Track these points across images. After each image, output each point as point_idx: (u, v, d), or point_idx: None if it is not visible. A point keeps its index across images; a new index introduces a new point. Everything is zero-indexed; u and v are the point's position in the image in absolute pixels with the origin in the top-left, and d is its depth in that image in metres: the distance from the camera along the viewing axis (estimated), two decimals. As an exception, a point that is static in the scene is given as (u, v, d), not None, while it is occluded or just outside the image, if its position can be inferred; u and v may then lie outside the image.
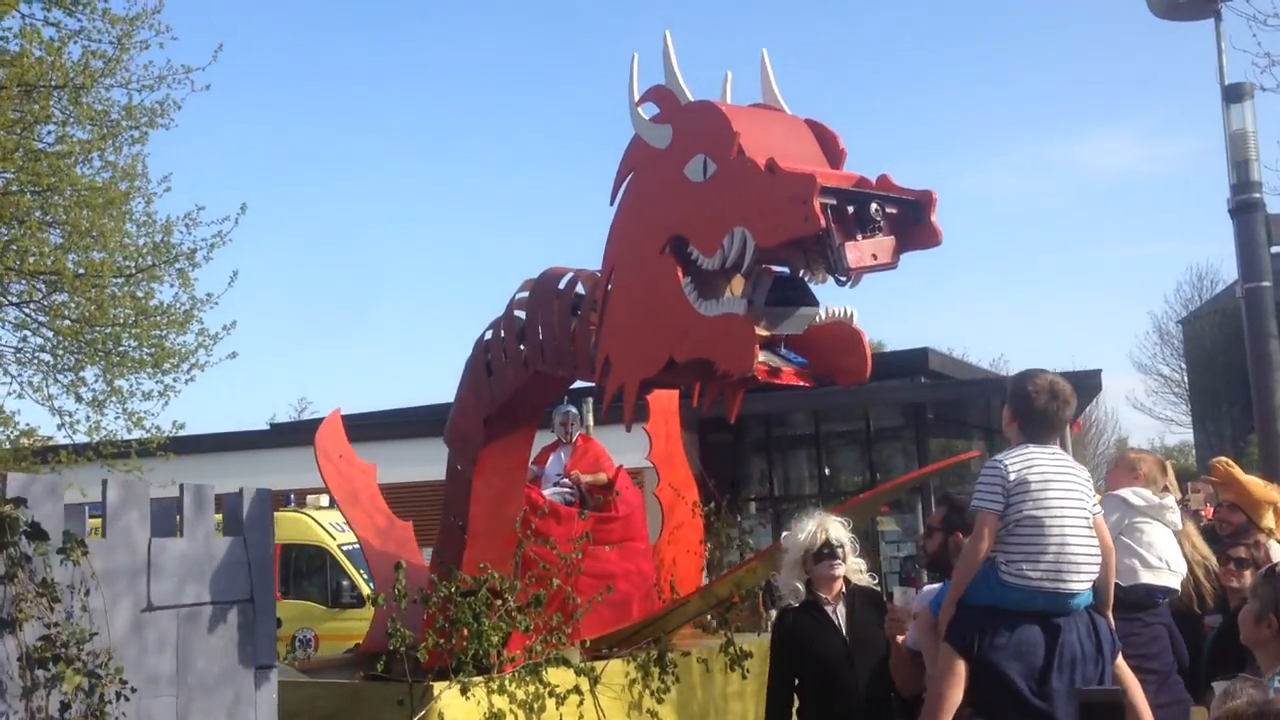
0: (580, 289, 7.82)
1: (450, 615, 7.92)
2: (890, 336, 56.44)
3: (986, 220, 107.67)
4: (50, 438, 18.25)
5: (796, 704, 7.20)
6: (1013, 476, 5.83)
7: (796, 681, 7.16)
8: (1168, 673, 7.11)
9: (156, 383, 18.27)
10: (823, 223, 5.67)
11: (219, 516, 7.20)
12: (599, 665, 8.52)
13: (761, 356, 6.34)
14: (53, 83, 16.43)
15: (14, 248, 16.80)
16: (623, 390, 6.98)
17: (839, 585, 7.09)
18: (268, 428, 38.36)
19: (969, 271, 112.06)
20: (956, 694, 5.85)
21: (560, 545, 8.76)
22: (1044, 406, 6.02)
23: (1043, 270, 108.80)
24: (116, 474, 16.84)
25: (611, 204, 7.13)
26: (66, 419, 18.10)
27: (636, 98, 6.85)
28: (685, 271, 6.43)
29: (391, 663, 7.88)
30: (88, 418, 18.07)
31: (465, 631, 7.93)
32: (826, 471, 30.72)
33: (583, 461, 10.36)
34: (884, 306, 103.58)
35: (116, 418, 18.21)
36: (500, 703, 7.84)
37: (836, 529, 7.13)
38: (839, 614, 7.05)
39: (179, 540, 6.77)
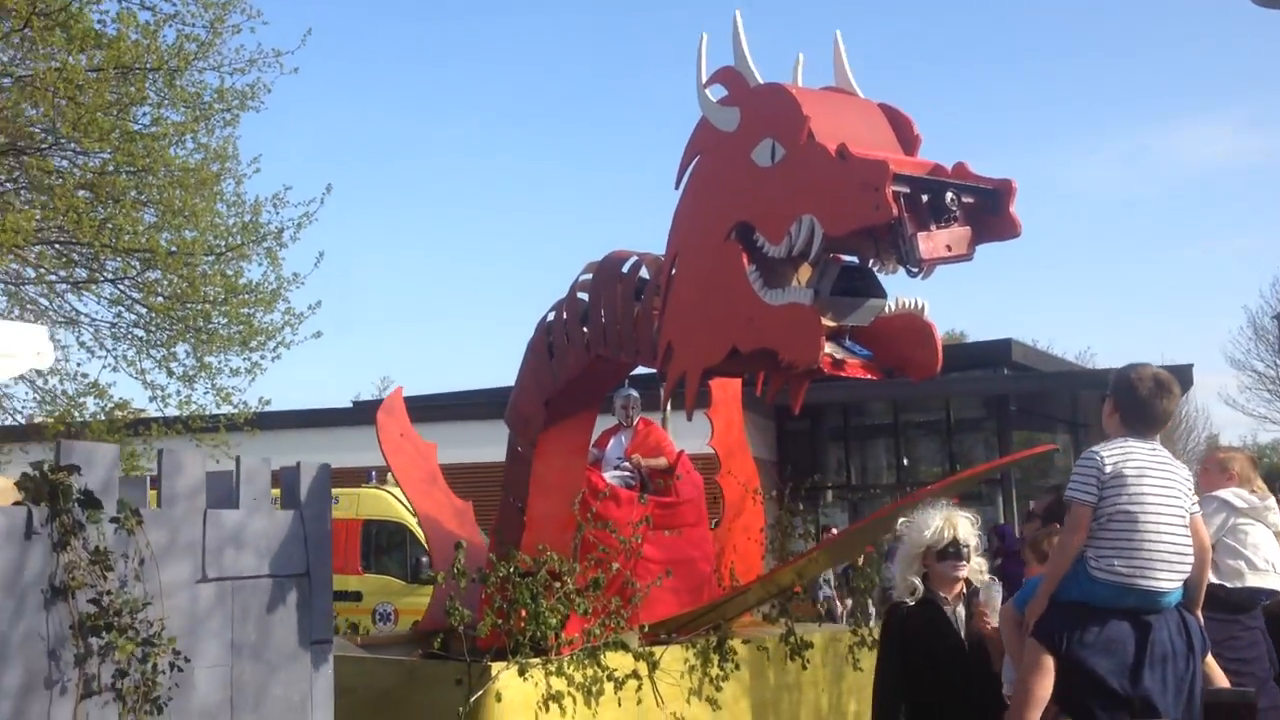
0: (644, 273, 7.63)
1: (509, 596, 7.77)
2: (973, 327, 55.65)
3: (1077, 210, 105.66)
4: (143, 411, 18.39)
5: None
6: (1108, 469, 5.67)
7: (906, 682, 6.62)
8: (1265, 678, 6.89)
9: (244, 360, 18.38)
10: (895, 211, 5.44)
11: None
12: (658, 651, 8.33)
13: (827, 348, 6.12)
14: (148, 65, 16.62)
15: (110, 226, 16.91)
16: (685, 378, 6.79)
17: (960, 586, 6.57)
18: (350, 405, 38.43)
19: (1056, 262, 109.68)
20: (1044, 690, 5.65)
21: (620, 529, 8.59)
22: (1147, 399, 5.84)
23: (1134, 262, 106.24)
24: (204, 448, 17.00)
25: (676, 188, 6.94)
26: (158, 393, 18.29)
27: (704, 79, 6.65)
28: (751, 259, 6.23)
29: (449, 641, 7.78)
30: (178, 392, 18.23)
31: (523, 613, 7.79)
32: (905, 461, 30.35)
33: (644, 445, 10.15)
34: (966, 296, 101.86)
35: (206, 393, 18.32)
36: (558, 685, 7.69)
37: (965, 527, 6.58)
38: (958, 615, 6.54)
39: (234, 512, 6.62)
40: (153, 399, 18.30)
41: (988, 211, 5.81)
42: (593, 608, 8.10)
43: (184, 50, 16.98)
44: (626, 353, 7.70)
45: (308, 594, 6.97)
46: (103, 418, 17.80)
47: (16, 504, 5.65)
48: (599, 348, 7.92)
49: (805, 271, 6.30)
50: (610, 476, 9.67)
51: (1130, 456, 5.74)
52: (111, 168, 17.06)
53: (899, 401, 29.10)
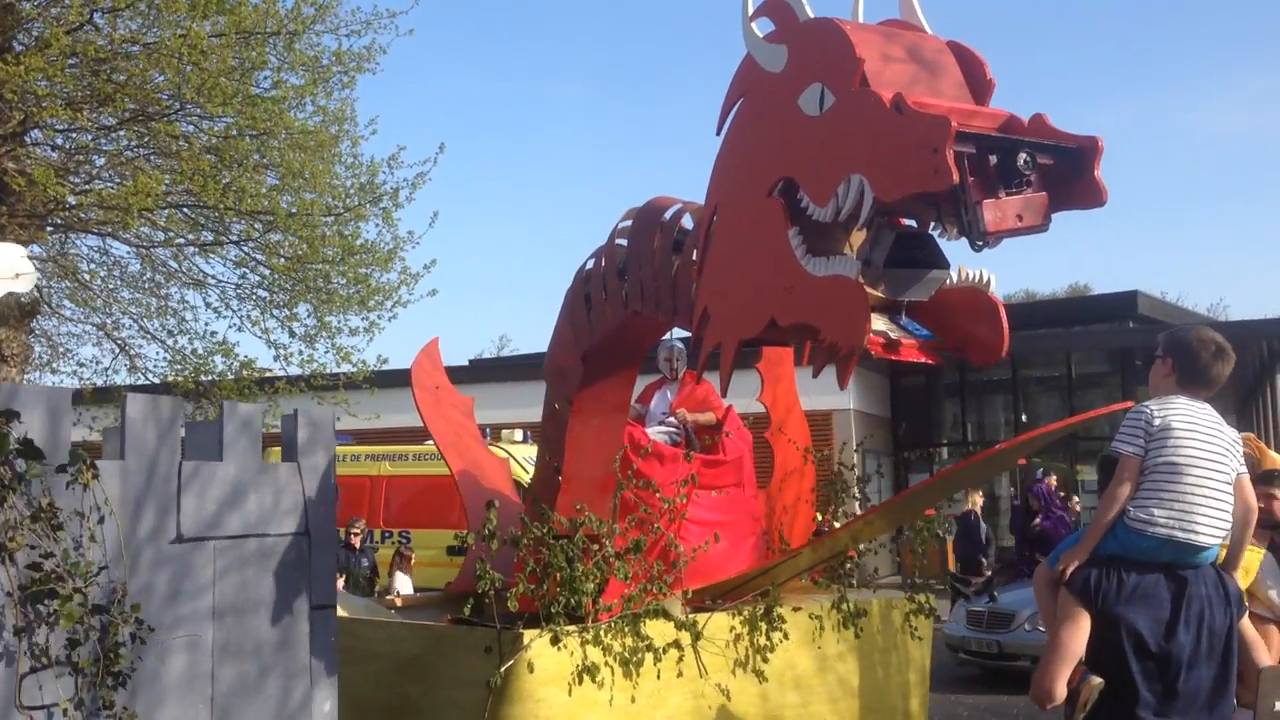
0: (687, 223, 6.72)
1: (542, 559, 6.98)
2: (1097, 278, 53.42)
3: (1209, 157, 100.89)
4: (268, 370, 18.10)
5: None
6: (1157, 422, 5.33)
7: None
8: None
9: (362, 319, 18.21)
10: (955, 177, 4.54)
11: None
12: (701, 618, 7.51)
13: (879, 326, 5.30)
14: (268, 30, 16.39)
15: (233, 189, 16.75)
16: (720, 348, 5.94)
17: None
18: (467, 364, 37.99)
19: (1187, 211, 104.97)
20: (1077, 643, 5.20)
21: (663, 489, 7.72)
22: (1207, 363, 5.48)
23: (1270, 212, 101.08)
24: (326, 404, 16.62)
25: (718, 133, 6.02)
26: (281, 351, 18.19)
27: (751, 10, 5.72)
28: (793, 220, 5.35)
29: (479, 606, 6.98)
30: (300, 351, 18.15)
31: (558, 577, 7.00)
32: (1024, 418, 28.62)
33: (690, 400, 9.21)
34: (1091, 246, 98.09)
35: (326, 352, 18.19)
36: (594, 655, 6.92)
37: None
38: None
39: (217, 465, 5.81)
40: (276, 358, 18.24)
41: (1068, 175, 4.93)
42: (633, 572, 7.31)
43: (302, 14, 16.85)
44: (664, 311, 6.86)
45: (306, 555, 6.17)
46: (230, 376, 17.70)
47: None
48: (636, 304, 7.08)
49: (860, 236, 5.46)
50: (654, 433, 8.79)
51: (1180, 412, 5.35)
52: (234, 132, 16.79)
53: (1018, 356, 27.59)
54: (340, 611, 7.76)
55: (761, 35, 5.65)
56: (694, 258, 6.30)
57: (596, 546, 7.19)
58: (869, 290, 5.19)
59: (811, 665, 7.96)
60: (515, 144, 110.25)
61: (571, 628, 6.87)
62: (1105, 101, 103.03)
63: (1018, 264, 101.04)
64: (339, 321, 18.03)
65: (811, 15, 5.44)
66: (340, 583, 14.01)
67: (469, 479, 8.69)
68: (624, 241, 7.32)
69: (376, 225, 18.08)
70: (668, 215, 6.92)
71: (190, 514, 5.62)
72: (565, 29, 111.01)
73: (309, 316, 18.05)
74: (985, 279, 5.34)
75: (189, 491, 5.62)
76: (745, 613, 7.68)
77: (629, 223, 7.28)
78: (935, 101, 4.86)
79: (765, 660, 7.63)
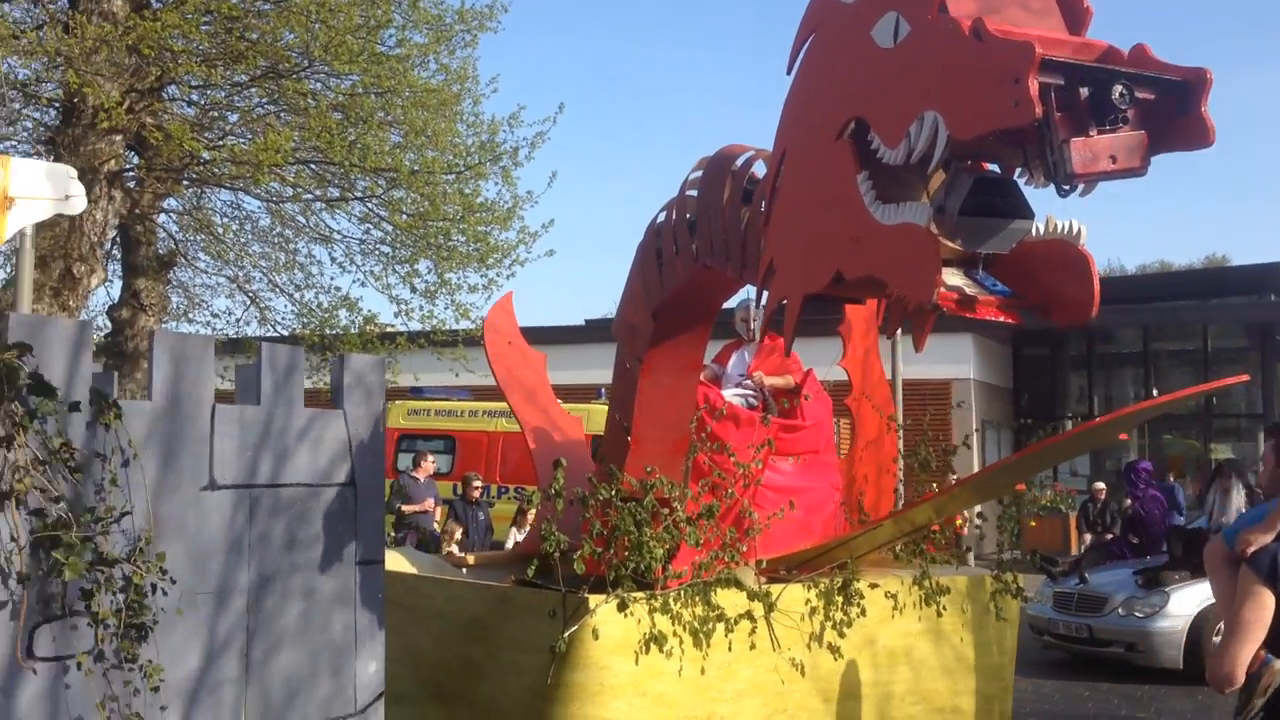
0: (759, 171, 6.20)
1: (609, 522, 6.55)
2: (1237, 249, 51.22)
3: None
4: (390, 325, 17.96)
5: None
6: None
7: None
8: None
9: (481, 276, 17.79)
10: (1038, 110, 3.97)
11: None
12: (775, 590, 7.05)
13: (953, 281, 4.77)
14: None
15: (359, 146, 16.46)
16: (785, 306, 5.40)
17: None
18: (583, 323, 37.54)
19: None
20: (1260, 624, 4.62)
21: (739, 453, 7.24)
22: None
23: None
24: (445, 359, 16.44)
25: (789, 72, 5.49)
26: (402, 307, 17.91)
27: None
28: (863, 164, 4.80)
29: (544, 569, 6.59)
30: (421, 307, 17.89)
31: (626, 541, 6.57)
32: (1155, 393, 26.94)
33: (768, 362, 8.63)
34: (1231, 214, 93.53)
35: (446, 308, 17.87)
36: (662, 623, 6.52)
37: None
38: None
39: (255, 409, 5.43)
40: (397, 313, 18.00)
41: (1172, 112, 4.31)
42: (704, 539, 6.88)
43: (429, -27, 16.39)
44: (733, 265, 6.34)
45: (352, 507, 5.78)
46: (354, 330, 17.48)
47: None
48: (706, 257, 6.59)
49: (938, 181, 4.88)
50: (730, 395, 8.27)
51: None
52: (360, 90, 16.56)
53: (1150, 328, 26.38)
54: (407, 568, 7.44)
55: None
56: (763, 208, 5.77)
57: (667, 511, 6.78)
58: (943, 241, 4.64)
59: (890, 643, 7.44)
60: (633, 103, 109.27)
61: (639, 594, 6.48)
62: (1240, 68, 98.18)
63: (1153, 233, 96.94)
64: (458, 278, 17.67)
65: None
66: (408, 539, 13.80)
67: (540, 436, 8.30)
68: (695, 193, 6.81)
69: (496, 184, 17.74)
70: (738, 164, 6.41)
71: (224, 460, 5.26)
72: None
73: (429, 273, 17.77)
74: (1076, 230, 4.75)
75: (222, 436, 5.26)
76: (821, 585, 7.20)
77: (700, 173, 6.78)
78: (1022, 29, 4.27)
79: (841, 636, 7.16)
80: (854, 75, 4.88)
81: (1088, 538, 18.27)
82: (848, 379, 8.80)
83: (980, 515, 8.41)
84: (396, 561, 7.39)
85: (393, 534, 16.17)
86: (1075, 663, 12.97)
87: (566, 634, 6.26)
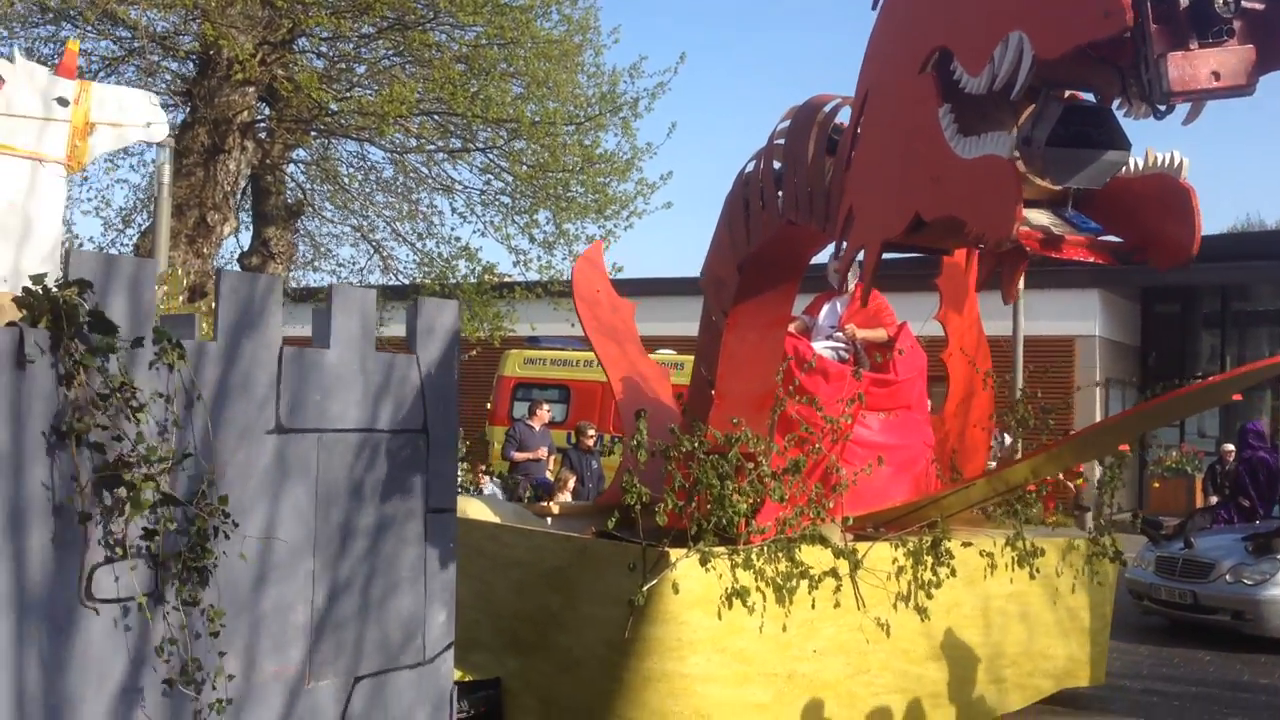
0: (844, 119, 5.87)
1: (692, 475, 6.30)
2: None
3: None
4: (508, 275, 17.89)
5: None
6: None
7: None
8: None
9: (599, 228, 17.66)
10: (1129, 18, 3.60)
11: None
12: (862, 547, 6.76)
13: (1039, 219, 4.42)
14: None
15: (481, 97, 16.41)
16: (864, 252, 5.07)
17: None
18: (699, 275, 37.15)
19: None
20: None
21: (827, 407, 6.94)
22: None
23: None
24: (562, 310, 16.34)
25: (874, 6, 5.12)
26: (521, 257, 17.87)
27: None
28: (945, 96, 4.43)
29: (626, 521, 6.38)
30: (539, 258, 17.81)
31: (708, 495, 6.31)
32: None
33: (860, 315, 8.28)
34: None
35: (563, 259, 17.71)
36: (745, 579, 6.29)
37: None
38: None
39: (324, 352, 5.24)
40: (515, 264, 17.96)
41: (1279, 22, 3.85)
42: (789, 494, 6.60)
43: (550, -76, 16.32)
44: (818, 220, 6.00)
45: (423, 454, 5.58)
46: (473, 280, 17.53)
47: (10, 325, 4.38)
48: (790, 212, 6.26)
49: (1029, 111, 4.45)
50: (820, 347, 7.95)
51: None
52: (483, 41, 16.53)
53: None
54: (490, 517, 7.29)
55: None
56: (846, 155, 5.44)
57: (752, 465, 6.52)
58: (1034, 179, 4.28)
59: (980, 605, 7.12)
60: (756, 50, 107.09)
61: (721, 549, 6.26)
62: None
63: None
64: (576, 229, 17.59)
65: None
66: (521, 485, 13.68)
67: (626, 386, 8.06)
68: (782, 143, 6.49)
69: (616, 135, 17.60)
70: (824, 113, 6.08)
71: (291, 403, 5.10)
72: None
73: (548, 223, 17.68)
74: (1178, 163, 4.36)
75: (289, 379, 5.09)
76: (910, 544, 6.91)
77: (787, 123, 6.45)
78: None
79: (930, 597, 6.86)
80: (936, 2, 4.54)
81: (1214, 500, 17.50)
82: (944, 333, 8.41)
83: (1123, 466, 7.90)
84: (479, 510, 7.25)
85: (505, 477, 16.21)
86: (1174, 629, 12.40)
87: (645, 588, 6.05)
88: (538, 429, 16.44)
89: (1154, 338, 25.99)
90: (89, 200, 19.13)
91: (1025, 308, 16.66)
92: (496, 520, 7.26)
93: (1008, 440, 8.70)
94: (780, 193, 6.43)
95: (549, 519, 7.94)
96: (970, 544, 7.02)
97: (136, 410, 4.52)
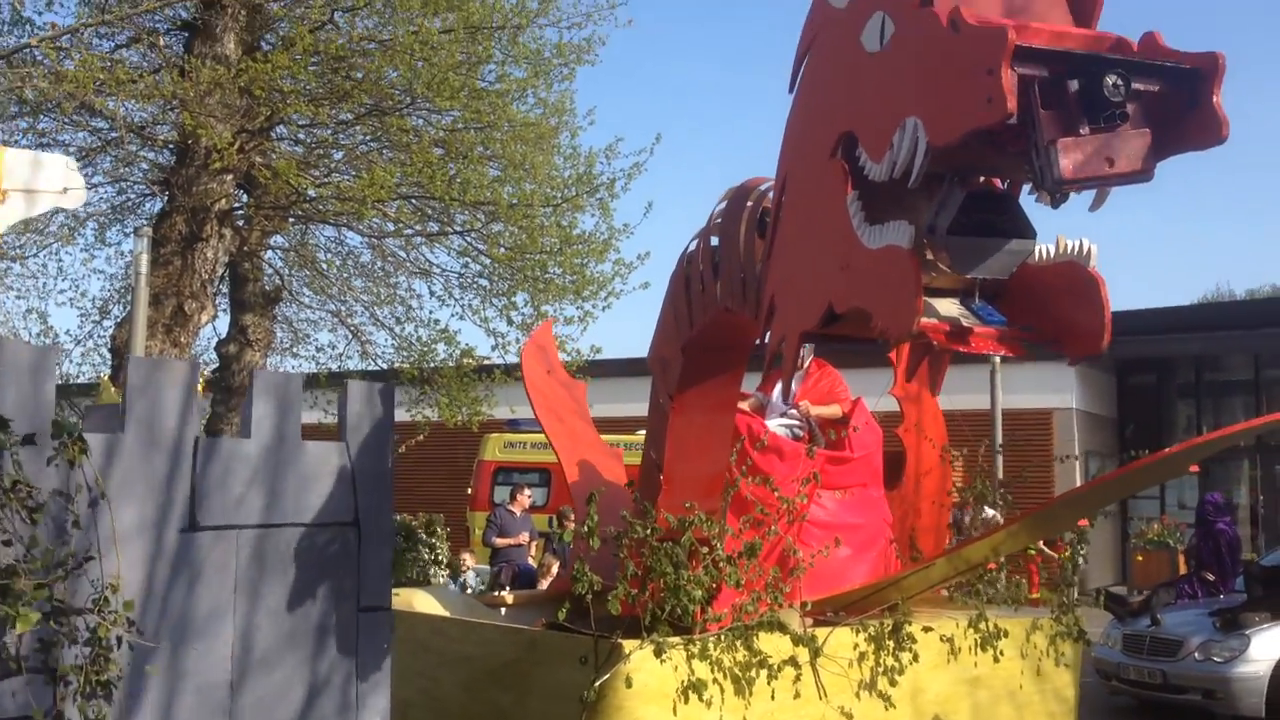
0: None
1: (644, 562, 5.99)
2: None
3: None
4: (487, 358, 17.69)
5: None
6: None
7: None
8: None
9: (577, 309, 17.38)
10: (1011, 105, 3.40)
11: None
12: (821, 633, 6.41)
13: (948, 310, 4.18)
14: (494, 24, 15.89)
15: (459, 180, 16.36)
16: (784, 346, 4.88)
17: None
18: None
19: None
20: None
21: (782, 487, 6.63)
22: None
23: None
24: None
25: (791, 91, 4.95)
26: (499, 340, 17.64)
27: None
28: (856, 183, 4.24)
29: (579, 610, 6.05)
30: (518, 340, 17.48)
31: (662, 583, 6.00)
32: None
33: (814, 390, 7.98)
34: None
35: None
36: (701, 670, 5.94)
37: None
38: None
39: (244, 442, 4.92)
40: (494, 346, 17.71)
41: (1180, 106, 3.67)
42: (746, 579, 6.28)
43: (526, 8, 16.20)
44: (750, 308, 5.71)
45: (354, 548, 5.24)
46: (452, 364, 17.31)
47: None
48: (726, 299, 5.98)
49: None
50: (774, 425, 7.64)
51: None
52: (460, 125, 16.43)
53: (1262, 355, 24.65)
54: (437, 609, 6.96)
55: None
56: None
57: (706, 549, 6.20)
58: (944, 267, 4.02)
59: (944, 690, 6.76)
60: (732, 129, 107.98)
61: (676, 639, 5.92)
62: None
63: (1263, 255, 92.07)
64: (555, 310, 17.28)
65: None
66: (503, 573, 13.36)
67: (577, 468, 7.75)
68: (720, 224, 6.24)
69: (593, 216, 17.45)
70: (755, 196, 5.84)
71: (208, 498, 4.78)
72: (778, 16, 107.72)
73: (526, 305, 17.40)
74: (1086, 250, 4.12)
75: (207, 472, 4.78)
76: (871, 628, 6.56)
77: (724, 204, 6.21)
78: (1012, 20, 3.65)
79: (893, 683, 6.51)
80: (844, 86, 4.36)
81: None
82: (899, 408, 8.11)
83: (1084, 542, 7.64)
84: (426, 602, 6.91)
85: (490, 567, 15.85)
86: (1145, 710, 11.97)
87: (597, 683, 5.72)
88: (519, 514, 16.13)
89: (1131, 409, 25.86)
90: (64, 291, 18.96)
91: (1003, 381, 16.48)
92: (444, 613, 6.91)
93: (989, 513, 8.38)
94: (718, 279, 6.17)
95: (502, 610, 7.59)
96: (931, 628, 6.68)
97: (33, 511, 4.22)
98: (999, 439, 17.21)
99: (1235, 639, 11.33)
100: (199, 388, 4.79)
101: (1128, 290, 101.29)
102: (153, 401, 4.63)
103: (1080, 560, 7.67)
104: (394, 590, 5.82)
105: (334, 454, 5.24)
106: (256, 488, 4.94)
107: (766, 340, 5.09)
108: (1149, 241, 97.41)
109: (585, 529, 6.01)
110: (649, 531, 6.09)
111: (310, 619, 5.10)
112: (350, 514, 5.26)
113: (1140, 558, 21.88)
